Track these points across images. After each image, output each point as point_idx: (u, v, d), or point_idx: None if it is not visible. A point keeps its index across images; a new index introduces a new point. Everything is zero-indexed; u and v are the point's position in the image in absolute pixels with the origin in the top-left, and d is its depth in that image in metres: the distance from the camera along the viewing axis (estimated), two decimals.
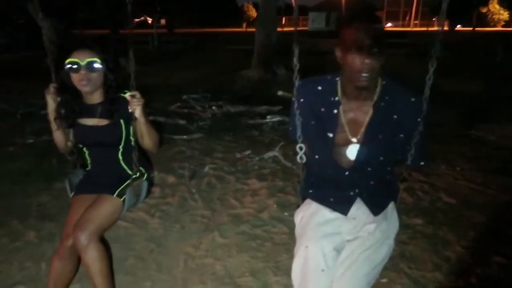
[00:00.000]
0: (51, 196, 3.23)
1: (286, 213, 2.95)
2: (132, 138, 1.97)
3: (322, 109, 1.55)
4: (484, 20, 39.75)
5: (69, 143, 2.04)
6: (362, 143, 1.51)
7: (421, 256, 2.46)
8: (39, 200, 3.18)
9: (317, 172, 1.69)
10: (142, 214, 2.96)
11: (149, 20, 40.80)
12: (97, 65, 1.85)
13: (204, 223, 2.85)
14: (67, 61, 1.82)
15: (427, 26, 36.87)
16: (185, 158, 4.08)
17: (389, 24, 51.99)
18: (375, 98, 1.49)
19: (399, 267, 2.34)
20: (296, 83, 1.56)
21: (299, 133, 1.58)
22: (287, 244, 2.57)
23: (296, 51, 1.55)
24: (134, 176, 2.00)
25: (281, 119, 5.35)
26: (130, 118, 1.89)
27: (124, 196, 1.95)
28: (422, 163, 1.61)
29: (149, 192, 2.18)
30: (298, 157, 1.63)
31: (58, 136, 2.01)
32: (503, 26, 40.97)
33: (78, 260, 1.85)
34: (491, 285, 2.20)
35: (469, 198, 3.22)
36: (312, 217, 1.61)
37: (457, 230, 2.74)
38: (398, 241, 2.59)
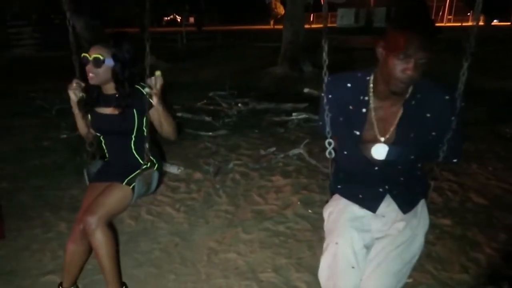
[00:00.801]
0: (82, 189, 3.33)
1: (309, 211, 2.94)
2: (145, 129, 2.03)
3: (350, 107, 1.54)
4: None
5: (92, 131, 2.16)
6: (392, 143, 1.49)
7: (448, 257, 2.40)
8: (71, 192, 3.31)
9: (346, 168, 1.68)
10: (168, 208, 3.03)
11: (178, 19, 41.36)
12: (101, 61, 1.94)
13: (228, 219, 2.88)
14: (82, 55, 1.97)
15: (461, 21, 35.62)
16: (211, 154, 4.13)
17: None
18: (406, 96, 1.45)
19: (425, 268, 2.29)
20: (325, 78, 1.56)
21: (328, 128, 1.58)
22: (310, 241, 2.57)
23: (326, 47, 1.55)
24: (144, 166, 2.07)
25: (307, 116, 5.32)
26: (143, 110, 1.96)
27: (134, 184, 2.02)
28: (455, 160, 1.58)
29: (160, 182, 2.23)
30: (327, 152, 1.63)
31: (82, 127, 2.18)
32: None
33: (89, 244, 1.94)
34: None
35: (501, 199, 3.11)
36: (341, 213, 1.61)
37: (487, 232, 2.65)
38: (425, 241, 2.53)
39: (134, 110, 2.01)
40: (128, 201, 2.04)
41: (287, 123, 5.27)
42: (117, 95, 2.02)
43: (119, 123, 2.02)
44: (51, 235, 2.69)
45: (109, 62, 1.95)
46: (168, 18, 44.34)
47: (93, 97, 2.07)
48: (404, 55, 1.28)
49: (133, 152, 2.12)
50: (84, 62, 1.96)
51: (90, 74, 1.96)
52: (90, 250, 1.98)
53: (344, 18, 34.87)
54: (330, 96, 1.56)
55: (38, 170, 3.78)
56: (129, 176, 2.05)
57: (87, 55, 1.94)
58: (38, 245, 2.57)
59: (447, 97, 1.43)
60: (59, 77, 9.32)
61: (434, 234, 2.62)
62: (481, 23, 23.06)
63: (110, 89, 2.04)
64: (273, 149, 4.20)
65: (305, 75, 9.23)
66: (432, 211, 2.89)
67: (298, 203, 3.07)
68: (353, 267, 1.45)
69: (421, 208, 1.63)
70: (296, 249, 2.50)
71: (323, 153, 4.09)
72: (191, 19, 37.78)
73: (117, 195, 1.99)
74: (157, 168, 2.16)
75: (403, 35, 1.27)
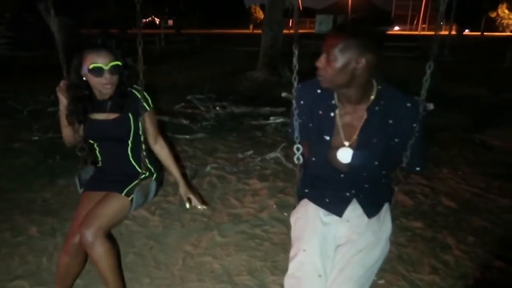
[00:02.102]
0: (54, 192, 3.27)
1: (285, 214, 2.96)
2: (141, 134, 1.98)
3: (320, 112, 1.57)
4: (493, 24, 39.44)
5: (78, 138, 2.04)
6: (356, 147, 1.52)
7: (419, 259, 2.46)
8: (43, 195, 3.23)
9: (314, 173, 1.70)
10: (143, 211, 2.99)
11: (157, 21, 40.99)
12: (120, 68, 1.87)
13: (204, 222, 2.87)
14: (91, 66, 1.81)
15: (435, 30, 36.61)
16: (188, 157, 4.11)
17: (396, 28, 51.86)
18: (369, 103, 1.50)
19: (396, 270, 2.34)
20: (295, 84, 1.58)
21: (296, 134, 1.60)
22: (285, 244, 2.59)
23: (296, 52, 1.57)
24: (143, 176, 2.01)
25: (284, 120, 5.37)
26: (138, 113, 1.92)
27: (132, 196, 1.95)
28: (417, 168, 1.60)
29: (157, 192, 2.18)
30: (295, 158, 1.65)
31: (68, 132, 2.02)
32: (511, 31, 40.67)
33: (85, 255, 1.87)
34: None
35: (470, 203, 3.22)
36: (308, 220, 1.61)
37: (457, 234, 2.73)
38: (396, 243, 2.60)
39: (130, 115, 1.95)
40: (126, 212, 1.96)
41: (265, 127, 5.30)
42: (112, 98, 1.93)
43: (114, 129, 1.95)
44: (21, 239, 2.61)
45: (123, 66, 1.88)
46: (147, 20, 43.88)
47: (86, 105, 1.95)
48: (321, 50, 1.43)
49: (130, 160, 2.03)
50: (94, 73, 1.82)
51: (108, 85, 1.84)
52: (84, 260, 1.90)
53: (323, 24, 35.45)
54: (301, 102, 1.58)
55: (8, 172, 3.67)
56: (127, 185, 1.97)
57: (101, 65, 1.81)
58: (6, 249, 2.49)
59: (408, 105, 1.47)
60: (32, 77, 9.14)
61: (405, 237, 2.69)
62: (453, 32, 23.79)
63: (105, 94, 1.93)
64: (251, 152, 4.21)
65: (283, 80, 9.30)
66: (404, 214, 3.00)
67: (274, 206, 3.09)
68: (319, 276, 1.44)
69: (385, 212, 1.66)
70: (271, 252, 2.51)
71: None
72: (170, 22, 37.50)
73: (115, 206, 1.90)
74: (155, 177, 2.11)
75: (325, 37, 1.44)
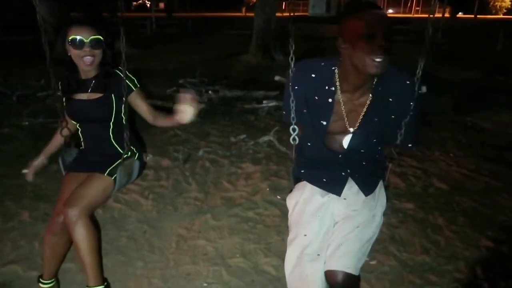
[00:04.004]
0: (46, 177, 3.23)
1: (278, 196, 2.97)
2: (123, 116, 1.97)
3: (316, 97, 1.53)
4: (486, 7, 39.33)
5: (67, 120, 2.02)
6: (357, 128, 1.51)
7: (410, 239, 2.50)
8: (34, 181, 3.17)
9: (309, 155, 1.70)
10: (136, 196, 2.98)
11: (148, 4, 40.30)
12: (101, 42, 1.87)
13: (197, 206, 2.88)
14: (70, 37, 1.82)
15: (429, 12, 36.40)
16: (180, 141, 4.09)
17: (390, 11, 51.53)
18: (373, 84, 1.47)
19: (388, 250, 2.38)
20: (292, 64, 1.54)
21: (293, 114, 1.58)
22: (279, 226, 2.61)
23: (292, 34, 1.54)
24: (125, 156, 2.00)
25: (277, 104, 5.35)
26: (121, 94, 1.90)
27: (115, 175, 1.95)
28: (410, 145, 1.62)
29: (141, 171, 2.18)
30: (291, 139, 1.64)
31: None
32: (504, 14, 40.61)
33: (70, 235, 1.86)
34: (478, 269, 2.23)
35: (461, 184, 3.25)
36: (306, 204, 1.62)
37: (447, 215, 2.77)
38: (389, 224, 2.63)
39: (113, 95, 1.93)
40: (110, 192, 1.96)
41: (258, 110, 5.28)
42: (96, 78, 1.92)
43: (96, 109, 1.93)
44: (12, 224, 2.60)
45: (104, 44, 1.87)
46: (137, 2, 43.09)
47: (71, 83, 1.94)
48: (368, 34, 1.29)
49: (111, 141, 2.02)
50: (74, 45, 1.82)
51: (89, 57, 1.84)
52: (70, 241, 1.89)
53: (316, 7, 35.10)
54: (296, 87, 1.55)
55: None
56: (109, 166, 1.97)
57: (81, 36, 1.81)
58: None
59: (408, 82, 1.47)
60: (21, 62, 8.96)
61: (397, 218, 2.72)
62: (446, 15, 23.71)
63: (90, 72, 1.93)
64: (244, 136, 4.20)
65: (276, 63, 9.25)
66: (396, 195, 3.02)
67: (267, 189, 3.10)
68: (318, 255, 1.48)
69: (379, 189, 1.68)
70: (264, 235, 2.53)
71: None
72: (161, 5, 36.89)
73: (98, 186, 1.90)
74: (137, 157, 2.10)
75: (363, 16, 1.31)
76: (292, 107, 1.57)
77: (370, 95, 1.48)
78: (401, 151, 1.59)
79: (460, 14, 35.04)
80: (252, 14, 11.10)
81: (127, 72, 1.90)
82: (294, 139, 1.64)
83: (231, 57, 10.05)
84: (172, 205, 2.88)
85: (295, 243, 1.54)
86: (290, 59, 1.55)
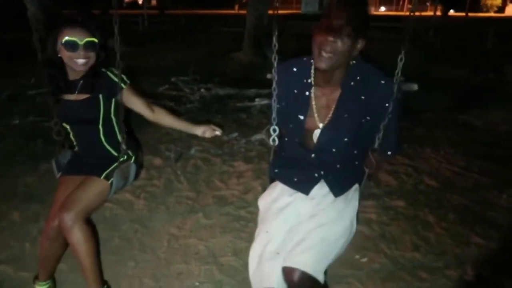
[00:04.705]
0: (36, 177, 3.22)
1: None
2: (113, 118, 1.95)
3: (295, 91, 1.54)
4: (477, 5, 39.61)
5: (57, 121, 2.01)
6: (327, 124, 1.51)
7: (401, 237, 2.52)
8: (25, 181, 3.17)
9: (285, 154, 1.70)
10: (128, 195, 2.97)
11: (140, 1, 40.03)
12: (96, 45, 1.84)
13: (189, 205, 2.87)
14: (64, 39, 1.78)
15: (421, 11, 36.66)
16: (172, 140, 4.08)
17: (382, 9, 51.69)
18: (345, 77, 1.47)
19: (379, 247, 2.40)
20: (275, 63, 1.53)
21: (274, 115, 1.57)
22: None
23: (275, 32, 1.52)
24: (121, 159, 1.98)
25: (270, 102, 5.31)
26: (110, 95, 1.88)
27: (112, 179, 1.93)
28: (389, 152, 1.60)
29: (137, 174, 2.16)
30: (270, 139, 1.62)
31: None
32: (495, 12, 40.93)
33: (65, 238, 1.84)
34: (468, 265, 2.26)
35: (452, 182, 3.28)
36: (273, 202, 1.63)
37: (437, 212, 2.80)
38: (380, 222, 2.65)
39: (100, 96, 1.90)
40: (106, 195, 1.94)
41: (250, 108, 5.28)
42: (84, 78, 1.89)
43: (83, 110, 1.91)
44: (3, 224, 2.58)
45: (98, 46, 1.84)
46: (129, 0, 42.76)
47: (60, 84, 1.91)
48: (325, 27, 1.34)
49: (103, 143, 2.00)
50: (67, 47, 1.78)
51: (82, 60, 1.81)
52: (65, 244, 1.87)
53: (309, 4, 35.09)
54: (280, 84, 1.54)
55: None
56: (106, 169, 1.95)
57: (75, 39, 1.77)
58: None
59: (382, 82, 1.45)
60: (10, 60, 8.84)
61: (388, 215, 2.74)
62: (438, 13, 23.85)
63: (78, 73, 1.90)
64: (236, 134, 4.21)
65: (268, 61, 9.15)
66: (387, 193, 3.05)
67: (259, 188, 3.10)
68: (278, 253, 1.44)
69: (353, 193, 1.64)
70: None
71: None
72: (153, 2, 36.66)
73: (95, 189, 1.88)
74: (134, 160, 2.08)
75: (329, 10, 1.36)
76: (274, 107, 1.56)
77: (341, 87, 1.48)
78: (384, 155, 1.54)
79: (451, 12, 35.24)
80: (244, 12, 11.07)
81: (114, 70, 1.89)
82: (274, 140, 1.61)
83: (223, 54, 10.02)
84: (163, 204, 2.88)
85: (257, 240, 1.52)
86: (273, 58, 1.51)
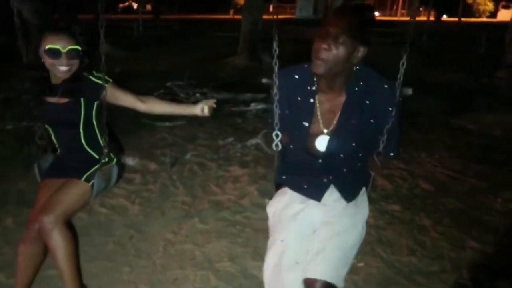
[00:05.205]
0: (30, 182, 3.17)
1: (266, 200, 2.91)
2: (94, 122, 1.95)
3: (299, 98, 1.55)
4: (469, 10, 40.00)
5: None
6: (334, 131, 1.51)
7: (397, 241, 2.52)
8: (18, 186, 3.14)
9: (291, 160, 1.69)
10: (123, 200, 2.95)
11: (135, 6, 40.03)
12: (79, 52, 1.83)
13: (184, 210, 2.86)
14: (47, 47, 1.77)
15: (415, 16, 36.89)
16: (167, 145, 4.07)
17: (376, 13, 52.07)
18: (349, 83, 1.48)
19: (375, 252, 2.39)
20: (276, 68, 1.54)
21: (276, 120, 1.57)
22: (267, 230, 2.56)
23: (276, 37, 1.53)
24: (103, 161, 1.97)
25: (265, 106, 5.35)
26: (93, 98, 1.88)
27: (93, 181, 1.92)
28: (392, 154, 1.61)
29: (120, 176, 2.14)
30: (273, 145, 1.61)
31: None
32: (487, 17, 41.36)
33: (45, 245, 1.83)
34: (464, 269, 2.26)
35: (447, 185, 3.30)
36: (284, 210, 1.61)
37: (433, 216, 2.80)
38: (376, 226, 2.65)
39: (82, 100, 1.89)
40: (87, 198, 1.93)
41: (246, 113, 5.28)
42: (65, 82, 1.88)
43: (64, 113, 1.90)
44: None
45: (81, 53, 1.84)
46: (124, 4, 42.75)
47: (44, 87, 1.90)
48: (321, 33, 1.36)
49: (84, 147, 1.99)
50: (50, 55, 1.78)
51: (65, 68, 1.80)
52: (46, 251, 1.85)
53: (303, 9, 35.29)
54: (280, 89, 1.54)
55: None
56: (87, 171, 1.93)
57: (58, 47, 1.77)
58: None
59: (385, 86, 1.47)
60: (2, 64, 8.77)
61: (384, 220, 2.74)
62: (431, 18, 24.03)
63: (60, 78, 1.88)
64: (231, 139, 4.20)
65: (264, 66, 9.25)
66: (383, 197, 3.05)
67: (256, 192, 3.09)
68: (297, 263, 1.44)
69: (362, 197, 1.66)
70: (252, 238, 2.52)
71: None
72: (148, 6, 36.68)
73: (75, 192, 1.87)
74: (116, 162, 2.06)
75: (327, 18, 1.38)
76: (276, 112, 1.56)
77: (346, 93, 1.49)
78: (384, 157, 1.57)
79: (444, 17, 35.56)
80: (239, 17, 11.11)
81: (95, 72, 1.89)
82: (276, 145, 1.61)
83: (219, 59, 10.03)
84: (159, 209, 2.86)
85: (273, 250, 1.51)
86: (274, 63, 1.52)
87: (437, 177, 3.44)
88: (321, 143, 1.52)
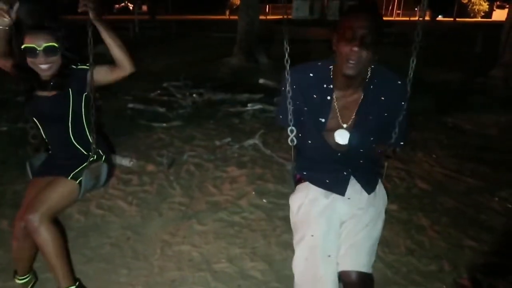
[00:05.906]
0: (26, 184, 3.15)
1: (264, 200, 2.96)
2: (83, 115, 1.96)
3: (314, 96, 1.58)
4: (465, 10, 40.20)
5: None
6: (353, 127, 1.56)
7: (395, 240, 2.52)
8: (13, 188, 3.12)
9: (309, 155, 1.72)
10: (120, 201, 2.93)
11: (131, 6, 39.94)
12: (56, 49, 1.84)
13: (182, 211, 2.84)
14: (24, 46, 1.80)
15: (409, 15, 37.07)
16: (164, 146, 4.05)
17: None
18: (365, 82, 1.54)
19: None
20: (287, 66, 1.58)
21: (290, 116, 1.60)
22: (265, 230, 2.60)
23: (286, 36, 1.60)
24: (91, 159, 1.98)
25: (262, 107, 5.35)
26: (80, 91, 1.89)
27: (80, 179, 1.92)
28: (401, 142, 1.67)
29: (110, 175, 2.15)
30: (289, 140, 1.66)
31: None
32: (482, 17, 41.56)
33: (33, 240, 1.84)
34: (462, 268, 2.26)
35: (444, 185, 3.30)
36: (311, 205, 1.64)
37: (431, 216, 2.80)
38: None
39: (70, 90, 1.90)
40: (75, 196, 1.94)
41: (243, 113, 5.27)
42: (54, 77, 1.90)
43: (52, 106, 1.92)
44: None
45: (60, 49, 1.84)
46: (120, 5, 42.62)
47: (33, 83, 1.93)
48: (348, 36, 1.38)
49: (73, 142, 2.00)
50: (27, 54, 1.80)
51: (45, 66, 1.82)
52: (35, 244, 1.85)
53: (299, 10, 35.28)
54: (293, 86, 1.58)
55: None
56: (74, 169, 1.94)
57: (33, 45, 1.78)
58: None
59: (399, 82, 1.55)
60: None
61: None
62: (427, 18, 24.15)
63: (47, 75, 1.91)
64: (228, 139, 4.18)
65: (260, 66, 9.25)
66: None
67: (253, 193, 3.08)
68: (329, 256, 1.50)
69: (379, 186, 1.72)
70: (250, 239, 2.51)
71: (278, 143, 4.13)
72: (144, 7, 36.59)
73: (61, 190, 1.88)
74: (105, 160, 2.07)
75: (350, 19, 1.40)
76: (290, 108, 1.59)
77: (362, 93, 1.54)
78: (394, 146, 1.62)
79: (440, 18, 35.71)
80: (236, 17, 11.11)
81: (79, 64, 1.91)
82: (292, 140, 1.66)
83: (215, 60, 10.01)
84: (156, 211, 2.84)
85: (303, 244, 1.55)
86: (285, 61, 1.58)
87: (434, 177, 3.45)
88: (342, 137, 1.56)
